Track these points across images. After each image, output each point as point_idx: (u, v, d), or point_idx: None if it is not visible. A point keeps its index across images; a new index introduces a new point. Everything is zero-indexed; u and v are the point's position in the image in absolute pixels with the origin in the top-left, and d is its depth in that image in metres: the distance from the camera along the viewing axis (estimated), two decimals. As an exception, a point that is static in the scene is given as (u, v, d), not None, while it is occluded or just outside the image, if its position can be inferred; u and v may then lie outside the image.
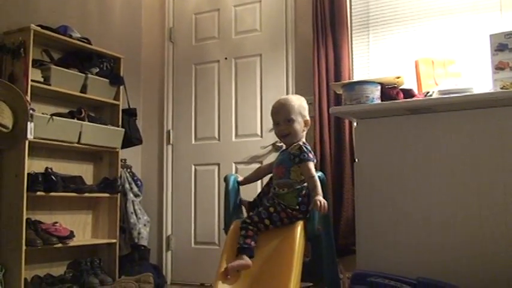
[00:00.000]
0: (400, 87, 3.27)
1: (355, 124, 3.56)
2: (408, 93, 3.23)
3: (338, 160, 4.00)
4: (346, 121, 3.94)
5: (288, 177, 2.65)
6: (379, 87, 3.17)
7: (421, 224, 2.94)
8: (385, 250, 2.99)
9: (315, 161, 2.70)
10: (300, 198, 2.61)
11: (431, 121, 3.01)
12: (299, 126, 2.74)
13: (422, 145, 3.01)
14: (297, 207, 2.60)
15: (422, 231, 2.93)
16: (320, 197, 2.51)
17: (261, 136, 4.58)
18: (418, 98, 3.13)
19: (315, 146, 4.03)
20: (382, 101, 3.15)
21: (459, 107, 2.91)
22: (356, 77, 4.09)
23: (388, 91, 3.22)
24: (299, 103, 2.78)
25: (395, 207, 3.02)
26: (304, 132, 2.79)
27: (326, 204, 2.51)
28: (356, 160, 3.29)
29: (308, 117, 2.80)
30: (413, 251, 2.93)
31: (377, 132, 3.15)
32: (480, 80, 3.30)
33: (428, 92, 3.15)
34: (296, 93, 4.42)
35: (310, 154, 2.65)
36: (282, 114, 2.76)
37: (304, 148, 2.65)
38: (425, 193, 2.96)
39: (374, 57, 4.10)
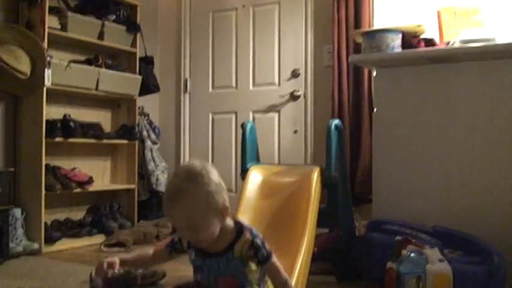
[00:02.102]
0: (422, 37, 3.21)
1: (374, 73, 3.51)
2: (429, 43, 3.18)
3: (356, 109, 3.97)
4: (366, 70, 3.89)
5: (246, 282, 1.72)
6: (400, 36, 3.12)
7: (438, 174, 2.93)
8: (401, 199, 3.00)
9: None
10: None
11: (452, 71, 2.96)
12: (213, 227, 1.66)
13: (442, 95, 2.97)
14: None
15: (439, 181, 2.93)
16: None
17: (279, 85, 4.55)
18: (438, 47, 3.08)
19: (333, 95, 4.01)
20: (402, 49, 3.11)
21: (481, 56, 2.86)
22: (376, 25, 4.01)
23: (409, 40, 3.16)
24: (202, 193, 1.62)
25: (413, 157, 3.01)
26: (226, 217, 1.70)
27: None
28: (374, 110, 3.26)
29: (223, 200, 1.66)
30: (430, 200, 2.93)
31: (397, 81, 3.12)
32: (503, 30, 3.22)
33: (449, 42, 3.09)
34: (315, 42, 4.38)
35: (265, 243, 1.72)
36: (179, 222, 1.67)
37: (256, 242, 1.70)
38: (443, 143, 2.94)
39: (395, 5, 4.01)
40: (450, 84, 2.95)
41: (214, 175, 1.65)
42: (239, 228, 1.71)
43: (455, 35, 3.23)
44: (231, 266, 1.70)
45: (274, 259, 1.72)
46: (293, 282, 2.00)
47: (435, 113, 2.98)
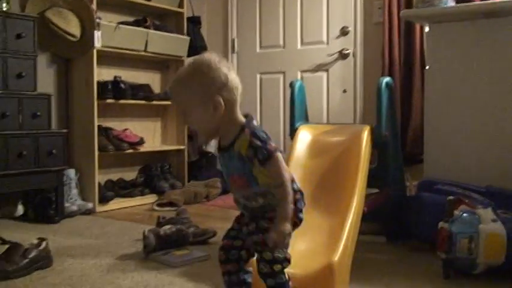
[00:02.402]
0: (476, -11, 3.08)
1: (426, 29, 3.41)
2: (484, -4, 3.04)
3: (407, 67, 3.89)
4: (417, 26, 3.78)
5: (256, 185, 1.68)
6: (453, -11, 3.00)
7: (492, 132, 2.84)
8: (453, 158, 2.93)
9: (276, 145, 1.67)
10: None
11: (509, 26, 2.83)
12: (199, 115, 1.67)
13: (497, 51, 2.85)
14: None
15: (492, 140, 2.84)
16: (284, 227, 1.61)
17: (327, 43, 4.48)
18: (495, 0, 2.95)
19: (383, 53, 3.92)
20: (456, 3, 2.99)
21: (541, 9, 2.73)
22: (429, -21, 3.88)
23: (463, -7, 3.04)
24: (192, 80, 1.67)
25: (467, 116, 2.93)
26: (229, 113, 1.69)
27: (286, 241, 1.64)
28: (426, 67, 3.17)
29: (215, 94, 1.65)
30: (483, 160, 2.85)
31: (450, 37, 3.01)
32: None
33: (506, -6, 2.95)
34: (365, -3, 4.27)
35: (268, 143, 1.64)
36: (175, 104, 1.87)
37: (255, 141, 1.63)
38: (497, 101, 2.84)
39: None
40: (506, 40, 2.83)
41: (216, 69, 1.67)
42: (243, 125, 1.69)
43: (513, -13, 3.09)
44: (234, 162, 1.69)
45: (276, 159, 1.63)
46: (342, 242, 2.00)
47: (489, 69, 2.87)
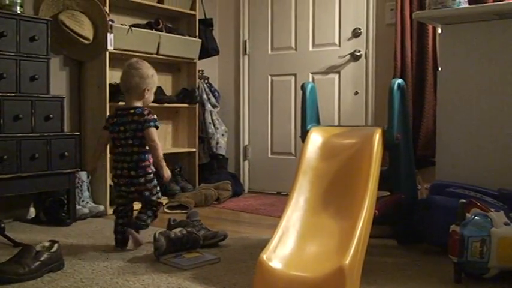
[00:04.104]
0: (490, -10, 3.06)
1: (439, 30, 3.38)
2: (498, -4, 3.02)
3: (420, 69, 3.86)
4: (430, 27, 3.76)
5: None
6: (467, -10, 2.98)
7: (505, 135, 2.82)
8: (466, 161, 2.91)
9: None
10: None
11: (524, 26, 2.81)
12: None
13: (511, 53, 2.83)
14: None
15: (505, 142, 2.81)
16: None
17: (339, 45, 4.46)
18: (509, 1, 2.92)
19: (396, 54, 3.90)
20: (469, 4, 2.97)
21: (556, 10, 2.70)
22: (441, -20, 3.85)
23: (476, -6, 3.02)
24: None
25: (480, 118, 2.90)
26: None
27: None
28: (439, 69, 3.15)
29: None
30: (496, 162, 2.83)
31: (463, 38, 2.99)
32: None
33: (521, -5, 2.93)
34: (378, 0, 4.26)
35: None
36: None
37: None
38: (511, 104, 2.81)
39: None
40: (521, 41, 2.80)
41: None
42: None
43: (527, -13, 3.06)
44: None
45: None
46: (353, 245, 1.98)
47: (503, 72, 2.84)
